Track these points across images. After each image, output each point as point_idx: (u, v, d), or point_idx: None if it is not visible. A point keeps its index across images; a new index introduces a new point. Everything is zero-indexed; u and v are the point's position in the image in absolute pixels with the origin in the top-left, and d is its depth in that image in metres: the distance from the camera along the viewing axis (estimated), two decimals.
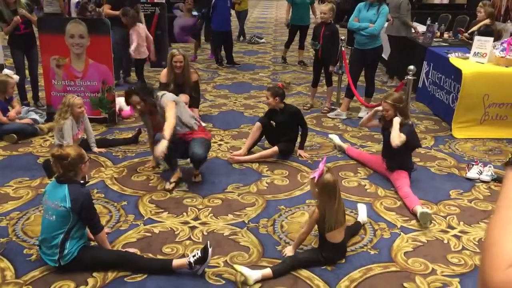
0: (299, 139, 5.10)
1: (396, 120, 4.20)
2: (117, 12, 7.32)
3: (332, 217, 3.06)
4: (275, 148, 4.91)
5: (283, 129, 5.01)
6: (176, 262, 3.04)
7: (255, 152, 5.00)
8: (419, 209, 3.73)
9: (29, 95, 7.00)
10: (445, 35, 8.11)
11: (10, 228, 3.58)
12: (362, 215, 3.72)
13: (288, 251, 3.27)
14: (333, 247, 3.17)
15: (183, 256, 3.21)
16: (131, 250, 3.25)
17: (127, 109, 6.24)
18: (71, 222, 2.97)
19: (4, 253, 3.25)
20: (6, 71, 5.74)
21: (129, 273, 3.04)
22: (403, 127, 4.18)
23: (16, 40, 6.21)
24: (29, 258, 3.21)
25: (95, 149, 4.99)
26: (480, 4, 7.41)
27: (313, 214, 3.16)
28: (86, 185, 3.81)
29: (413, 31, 7.85)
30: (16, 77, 5.66)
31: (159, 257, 3.23)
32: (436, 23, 8.15)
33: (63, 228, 2.97)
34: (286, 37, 13.72)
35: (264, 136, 5.17)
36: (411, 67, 5.43)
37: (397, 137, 4.11)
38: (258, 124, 5.05)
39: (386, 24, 7.24)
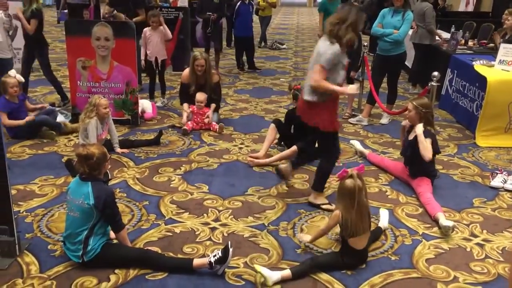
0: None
1: (419, 128, 4.15)
2: (136, 19, 7.17)
3: (353, 224, 3.03)
4: (294, 148, 4.90)
5: (302, 132, 5.03)
6: (196, 262, 3.07)
7: (273, 155, 5.02)
8: (441, 218, 3.69)
9: (54, 96, 7.15)
10: (470, 43, 8.02)
11: (35, 224, 3.65)
12: (384, 221, 3.70)
13: (305, 238, 3.30)
14: (355, 253, 3.15)
15: (203, 256, 3.24)
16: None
17: (149, 111, 6.34)
18: (95, 218, 3.03)
19: (29, 248, 3.33)
20: (10, 72, 5.52)
21: (150, 271, 3.08)
22: (424, 132, 4.14)
23: (24, 36, 6.62)
24: (53, 254, 3.27)
25: (118, 150, 5.07)
26: (506, 12, 7.30)
27: (334, 216, 3.16)
28: (108, 183, 3.93)
29: (437, 38, 7.78)
30: (19, 77, 5.44)
31: (179, 256, 3.26)
32: (461, 30, 8.07)
33: (87, 225, 3.03)
34: (307, 43, 13.83)
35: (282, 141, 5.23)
36: (435, 73, 5.38)
37: (428, 152, 4.08)
38: (272, 125, 5.12)
39: (410, 32, 7.19)
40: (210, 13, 8.61)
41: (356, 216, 3.02)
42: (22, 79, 5.58)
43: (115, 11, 7.40)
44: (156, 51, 6.92)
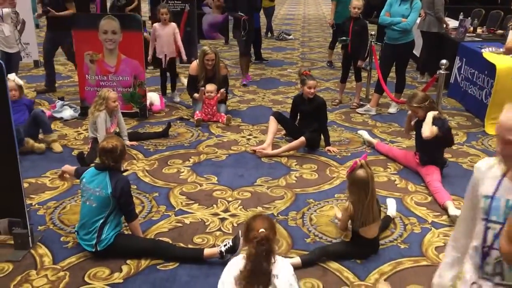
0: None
1: (430, 114, 4.15)
2: (63, 13, 6.57)
3: (364, 213, 3.05)
4: (302, 139, 4.91)
5: (308, 119, 5.04)
6: (207, 251, 3.11)
7: (281, 146, 5.03)
8: (450, 207, 3.69)
9: (63, 90, 7.19)
10: (478, 30, 7.94)
11: (47, 217, 3.71)
12: (392, 209, 3.70)
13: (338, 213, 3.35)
14: (366, 243, 3.16)
15: (213, 246, 3.27)
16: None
17: (157, 103, 6.37)
18: (111, 207, 3.10)
19: (42, 240, 3.38)
20: (10, 75, 4.97)
21: (161, 261, 3.12)
22: (436, 121, 4.13)
23: None
24: (65, 246, 3.32)
25: (127, 142, 5.09)
26: None
27: (347, 208, 3.18)
28: (124, 173, 4.00)
29: (444, 26, 7.71)
30: (17, 80, 5.06)
31: (190, 246, 3.30)
32: (469, 18, 7.98)
33: (103, 214, 3.10)
34: (314, 33, 13.77)
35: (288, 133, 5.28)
36: (444, 61, 5.35)
37: (427, 130, 4.07)
38: (271, 117, 5.15)
39: (418, 19, 7.14)
40: (242, 14, 7.35)
41: (368, 206, 3.03)
42: (21, 82, 5.18)
43: (48, 8, 6.80)
44: (165, 49, 6.55)
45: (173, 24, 6.57)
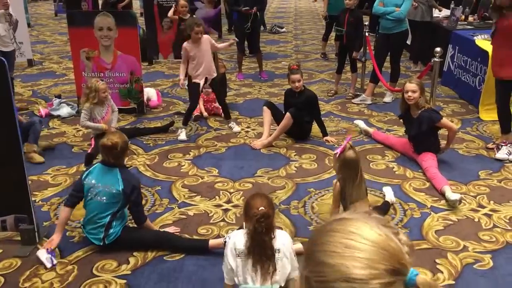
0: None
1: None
2: None
3: (353, 192, 3.19)
4: (287, 115, 4.93)
5: (299, 112, 5.07)
6: (212, 242, 3.17)
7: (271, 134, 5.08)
8: (448, 191, 3.76)
9: (59, 88, 7.20)
10: (470, 18, 8.01)
11: (51, 213, 3.75)
12: (390, 196, 3.78)
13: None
14: None
15: (218, 236, 3.33)
16: (171, 229, 3.40)
17: (155, 99, 6.40)
18: (120, 204, 3.15)
19: (48, 235, 3.41)
20: None
21: (168, 252, 3.17)
22: (433, 114, 4.26)
23: None
24: (72, 240, 3.37)
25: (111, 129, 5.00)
26: None
27: (335, 189, 3.29)
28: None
29: (437, 14, 7.78)
30: None
31: (194, 237, 3.35)
32: (460, 6, 8.05)
33: (112, 210, 3.14)
34: (306, 26, 13.81)
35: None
36: (438, 49, 5.41)
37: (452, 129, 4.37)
38: (264, 107, 5.20)
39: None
40: (248, 8, 7.09)
41: (357, 185, 3.18)
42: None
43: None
44: (205, 71, 5.29)
45: (206, 37, 5.28)
